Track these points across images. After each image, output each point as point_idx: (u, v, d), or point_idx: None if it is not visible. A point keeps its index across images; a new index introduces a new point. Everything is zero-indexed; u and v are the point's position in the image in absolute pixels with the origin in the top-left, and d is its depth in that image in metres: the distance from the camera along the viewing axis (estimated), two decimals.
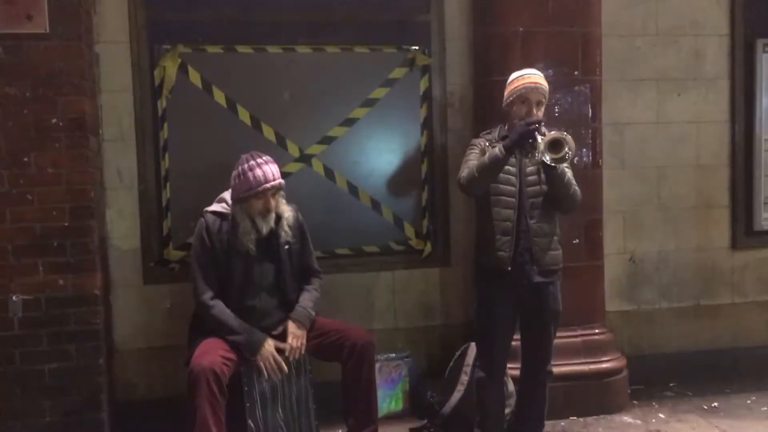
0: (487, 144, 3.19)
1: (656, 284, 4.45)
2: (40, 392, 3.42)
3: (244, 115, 3.89)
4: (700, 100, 4.45)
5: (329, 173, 4.01)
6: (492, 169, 3.06)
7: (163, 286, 3.83)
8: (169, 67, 3.78)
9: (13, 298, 3.40)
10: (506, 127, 3.21)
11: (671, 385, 4.30)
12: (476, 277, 3.32)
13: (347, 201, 4.04)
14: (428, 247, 4.10)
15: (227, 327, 3.04)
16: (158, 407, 3.73)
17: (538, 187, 3.12)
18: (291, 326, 3.15)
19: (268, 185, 3.07)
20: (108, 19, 3.73)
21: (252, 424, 3.03)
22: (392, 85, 4.06)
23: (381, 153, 4.07)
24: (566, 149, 2.89)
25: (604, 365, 3.88)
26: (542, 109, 3.17)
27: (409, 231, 4.11)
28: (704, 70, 4.44)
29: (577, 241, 3.87)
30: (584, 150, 3.87)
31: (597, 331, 3.93)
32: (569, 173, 3.13)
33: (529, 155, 3.09)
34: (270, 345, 3.05)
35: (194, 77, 3.83)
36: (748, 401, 4.05)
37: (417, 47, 4.06)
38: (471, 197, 3.36)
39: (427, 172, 4.12)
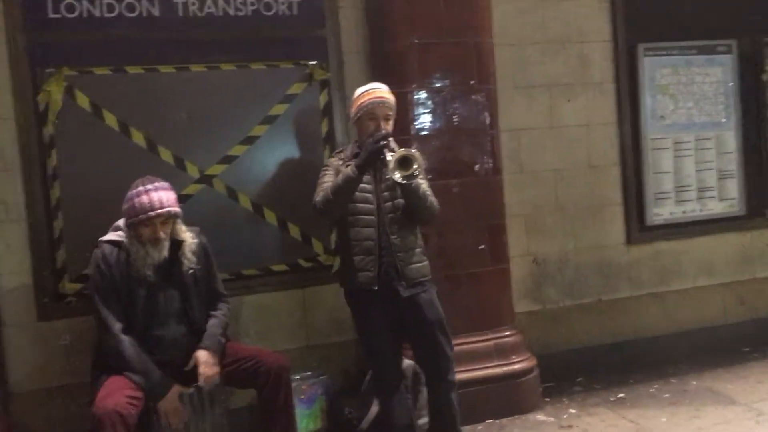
0: (341, 163, 3.20)
1: (560, 283, 4.60)
2: None
3: (138, 138, 3.74)
4: (589, 104, 4.64)
5: (232, 193, 3.91)
6: (346, 189, 3.06)
7: (59, 321, 3.62)
8: (54, 92, 3.59)
9: None
10: (357, 145, 3.24)
11: (579, 380, 4.45)
12: (347, 299, 3.33)
13: (252, 220, 3.95)
14: (338, 262, 4.07)
15: (131, 367, 2.90)
16: None
17: (396, 202, 3.15)
18: (202, 355, 3.04)
19: (153, 213, 2.95)
20: None
21: None
22: (291, 101, 4.01)
23: (284, 170, 4.01)
24: (415, 166, 2.94)
25: (516, 366, 3.97)
26: (391, 123, 3.21)
27: (318, 247, 4.07)
28: (591, 75, 4.64)
29: (483, 246, 3.94)
30: (484, 157, 3.95)
31: (507, 333, 4.02)
32: (424, 185, 3.18)
33: (383, 171, 3.10)
34: (174, 395, 2.93)
35: (82, 101, 3.66)
36: (652, 390, 4.24)
37: (315, 62, 4.04)
38: (328, 219, 3.36)
39: None
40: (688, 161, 4.84)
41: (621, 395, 4.17)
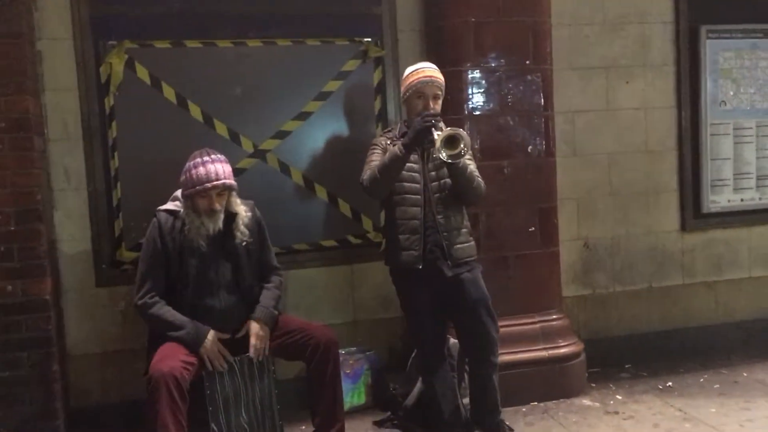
0: (389, 142, 3.20)
1: (610, 268, 4.54)
2: None
3: (195, 112, 3.81)
4: (647, 87, 4.53)
5: (284, 168, 3.96)
6: (393, 168, 3.06)
7: (116, 288, 3.74)
8: (116, 64, 3.67)
9: None
10: (405, 124, 3.22)
11: (627, 366, 4.40)
12: (392, 277, 3.34)
13: (303, 195, 4.00)
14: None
15: (167, 324, 2.98)
16: (114, 413, 3.68)
17: (443, 182, 3.13)
18: (254, 326, 3.10)
19: (209, 185, 2.99)
20: (50, 16, 3.61)
21: (215, 428, 2.98)
22: (345, 78, 4.02)
23: (336, 146, 4.04)
24: (462, 145, 2.92)
25: (563, 350, 3.94)
26: (439, 102, 3.20)
27: (367, 224, 4.10)
28: (651, 57, 4.52)
29: (533, 228, 3.91)
30: (537, 138, 3.91)
31: (554, 316, 3.99)
32: (472, 166, 3.15)
33: (431, 151, 3.09)
34: (212, 336, 2.99)
35: (142, 74, 3.74)
36: (701, 380, 4.17)
37: (369, 39, 4.04)
38: (375, 198, 3.37)
39: None
40: (748, 148, 4.70)
41: (669, 384, 4.11)
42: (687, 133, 4.59)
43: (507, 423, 3.43)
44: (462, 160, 2.99)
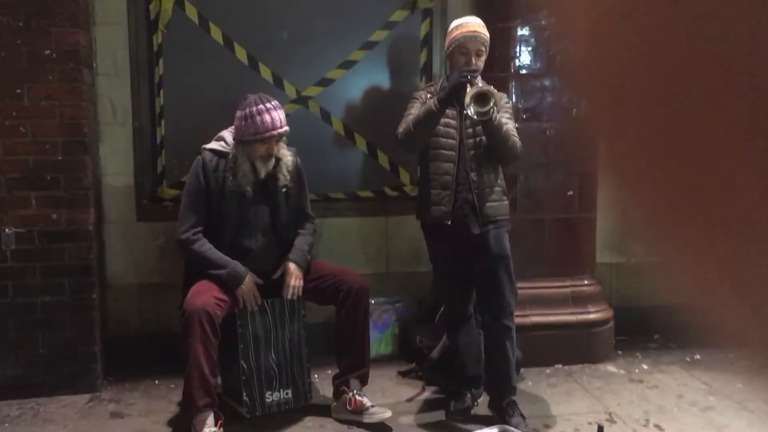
0: (429, 96, 3.14)
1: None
2: (33, 325, 3.45)
3: (240, 54, 3.83)
4: None
5: (326, 116, 3.97)
6: (427, 122, 3.01)
7: (156, 224, 3.83)
8: (165, 1, 3.69)
9: (6, 230, 3.39)
10: (447, 78, 3.17)
11: (655, 337, 4.39)
12: (423, 231, 3.33)
13: (343, 145, 4.02)
14: None
15: (209, 262, 3.05)
16: (150, 343, 3.78)
17: (479, 139, 3.09)
18: (290, 266, 3.16)
19: (275, 132, 3.02)
20: None
21: (245, 365, 3.07)
22: (392, 29, 3.99)
23: (379, 97, 4.03)
24: (491, 103, 2.83)
25: (591, 316, 3.94)
26: (482, 59, 3.11)
27: (404, 177, 4.10)
28: None
29: (571, 192, 3.88)
30: (583, 102, 3.83)
31: (586, 282, 3.98)
32: (510, 125, 3.08)
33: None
34: (250, 279, 3.07)
35: (191, 12, 3.76)
36: (730, 355, 4.13)
37: None
38: (410, 152, 3.33)
39: None
40: None
41: (697, 357, 4.09)
42: None
43: (519, 405, 3.21)
44: (497, 117, 2.94)
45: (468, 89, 2.87)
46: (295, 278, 3.14)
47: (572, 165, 3.88)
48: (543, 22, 3.74)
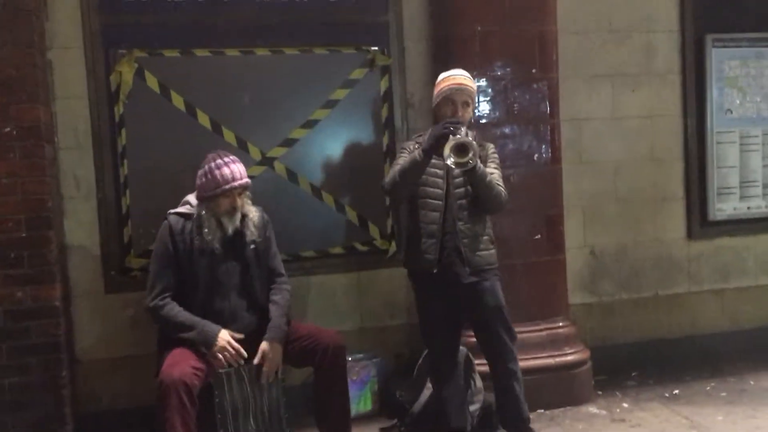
0: (416, 146, 3.21)
1: (616, 276, 4.54)
2: (1, 408, 3.34)
3: (203, 119, 3.85)
4: (653, 95, 4.54)
5: (292, 176, 3.99)
6: (411, 172, 3.08)
7: (125, 294, 3.77)
8: (126, 72, 3.71)
9: None
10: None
11: (633, 374, 4.40)
12: (410, 279, 3.36)
13: (311, 203, 4.02)
14: (393, 247, 4.11)
15: (178, 325, 3.00)
16: (123, 418, 3.69)
17: (467, 188, 3.14)
18: (267, 349, 3.06)
19: (235, 183, 3.05)
20: (61, 25, 3.65)
21: None
22: (352, 86, 4.05)
23: (343, 154, 4.07)
24: (470, 154, 2.92)
25: (569, 358, 3.94)
26: (469, 109, 3.22)
27: (374, 231, 4.12)
28: (657, 66, 4.54)
29: (539, 236, 3.92)
30: (544, 146, 3.92)
31: (561, 324, 3.99)
32: (495, 174, 3.16)
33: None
34: (225, 334, 3.01)
35: (152, 82, 3.78)
36: (708, 387, 4.16)
37: (376, 48, 4.06)
38: (396, 201, 3.39)
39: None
40: (754, 156, 4.71)
41: (675, 392, 4.10)
42: (693, 141, 4.60)
43: None
44: (479, 167, 3.00)
45: (450, 140, 2.93)
46: (270, 363, 3.06)
47: (538, 209, 3.93)
48: (499, 73, 3.83)
